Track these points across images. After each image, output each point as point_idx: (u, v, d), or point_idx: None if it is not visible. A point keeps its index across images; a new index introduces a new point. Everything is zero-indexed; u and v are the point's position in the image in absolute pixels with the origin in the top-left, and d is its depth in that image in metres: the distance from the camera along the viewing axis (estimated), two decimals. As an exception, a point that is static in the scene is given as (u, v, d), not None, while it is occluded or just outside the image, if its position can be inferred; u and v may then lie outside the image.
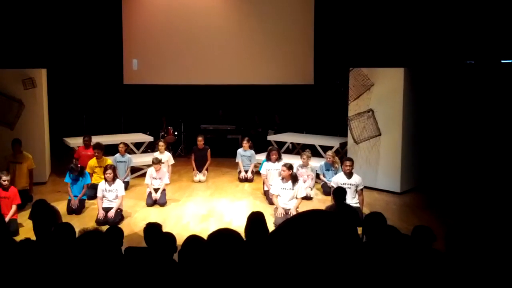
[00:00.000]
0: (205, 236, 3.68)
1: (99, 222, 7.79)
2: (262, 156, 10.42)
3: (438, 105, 10.39)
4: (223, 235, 3.04)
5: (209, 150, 11.19)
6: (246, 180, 10.66)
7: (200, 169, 10.90)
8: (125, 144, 10.57)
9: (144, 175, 9.86)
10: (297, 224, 2.19)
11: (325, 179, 9.66)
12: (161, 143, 10.47)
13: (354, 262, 2.11)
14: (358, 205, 7.99)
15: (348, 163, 8.26)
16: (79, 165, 8.90)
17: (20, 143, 9.07)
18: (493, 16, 9.84)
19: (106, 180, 8.18)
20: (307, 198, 9.10)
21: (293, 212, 7.85)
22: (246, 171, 10.73)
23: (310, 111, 13.85)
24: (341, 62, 11.85)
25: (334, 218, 2.16)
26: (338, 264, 2.01)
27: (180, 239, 4.10)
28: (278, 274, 2.06)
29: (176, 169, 11.23)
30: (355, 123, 10.08)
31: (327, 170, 9.75)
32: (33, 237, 4.79)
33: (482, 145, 10.18)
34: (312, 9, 13.44)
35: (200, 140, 11.15)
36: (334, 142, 11.09)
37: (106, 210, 8.03)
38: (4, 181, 7.53)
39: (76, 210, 8.44)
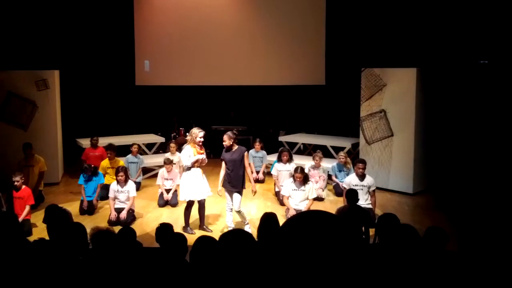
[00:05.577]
0: (217, 237, 3.67)
1: (111, 222, 7.82)
2: (273, 157, 10.40)
3: (451, 105, 10.30)
4: (235, 236, 3.03)
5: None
6: (257, 181, 10.63)
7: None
8: (138, 146, 10.61)
9: (155, 175, 9.89)
10: (299, 223, 2.18)
11: (337, 180, 9.62)
12: (172, 144, 10.51)
13: (357, 261, 2.09)
14: (370, 206, 7.94)
15: (360, 165, 8.17)
16: (92, 166, 8.97)
17: (31, 146, 9.12)
18: (506, 15, 9.74)
19: (118, 181, 8.22)
20: (319, 199, 9.07)
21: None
22: (258, 172, 10.72)
23: (321, 111, 13.82)
24: (353, 62, 11.81)
25: (336, 219, 2.15)
26: (339, 262, 2.00)
27: (191, 240, 4.10)
28: (286, 272, 2.05)
29: (188, 170, 11.22)
30: (367, 124, 10.03)
31: (340, 171, 9.70)
32: (47, 238, 4.82)
33: (495, 146, 10.07)
34: (324, 9, 13.43)
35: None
36: (346, 143, 11.05)
37: (118, 211, 8.06)
38: (18, 182, 7.59)
39: (88, 210, 8.49)
